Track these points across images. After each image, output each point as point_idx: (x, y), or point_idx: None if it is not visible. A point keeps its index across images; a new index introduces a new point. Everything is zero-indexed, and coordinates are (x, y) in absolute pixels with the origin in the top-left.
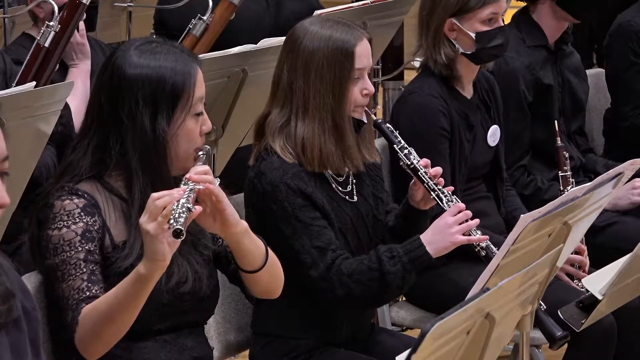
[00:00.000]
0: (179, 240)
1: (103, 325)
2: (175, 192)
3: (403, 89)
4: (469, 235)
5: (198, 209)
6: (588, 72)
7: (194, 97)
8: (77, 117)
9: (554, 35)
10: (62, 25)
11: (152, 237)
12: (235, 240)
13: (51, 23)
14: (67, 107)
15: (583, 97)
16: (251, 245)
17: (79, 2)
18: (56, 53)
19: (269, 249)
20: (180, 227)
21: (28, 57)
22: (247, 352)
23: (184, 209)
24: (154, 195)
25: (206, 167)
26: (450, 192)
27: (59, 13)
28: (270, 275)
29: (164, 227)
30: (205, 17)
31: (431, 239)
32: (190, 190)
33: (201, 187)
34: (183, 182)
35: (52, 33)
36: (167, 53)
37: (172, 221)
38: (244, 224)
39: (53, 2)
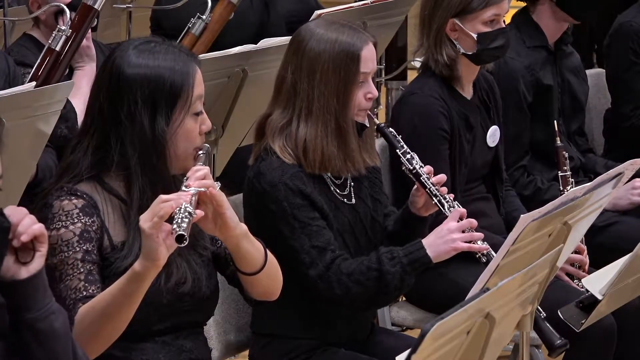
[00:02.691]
0: (181, 244)
1: (100, 324)
2: (182, 196)
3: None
4: (471, 243)
5: (199, 213)
6: (588, 72)
7: (192, 96)
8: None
9: (553, 35)
10: (73, 30)
11: (146, 235)
12: (235, 243)
13: (63, 27)
14: (73, 110)
15: (583, 98)
16: (250, 248)
17: (90, 7)
18: (67, 57)
19: (268, 251)
20: (182, 232)
21: (38, 61)
22: (247, 352)
23: (186, 214)
24: (162, 197)
25: (205, 171)
26: (452, 198)
27: (62, 14)
28: (269, 278)
29: (159, 227)
30: (204, 16)
31: (432, 243)
32: (194, 194)
33: (203, 189)
34: (184, 185)
35: (64, 37)
36: (166, 52)
37: (174, 226)
38: (243, 226)
39: (65, 7)
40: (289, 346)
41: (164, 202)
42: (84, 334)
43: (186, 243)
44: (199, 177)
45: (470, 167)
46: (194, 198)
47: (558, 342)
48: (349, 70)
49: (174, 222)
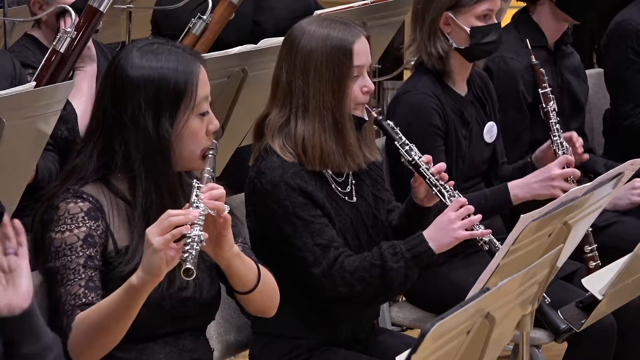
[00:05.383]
0: (187, 278)
1: (95, 334)
2: (191, 213)
3: None
4: (472, 230)
5: (205, 235)
6: (588, 72)
7: (197, 96)
8: (83, 121)
9: (553, 35)
10: (78, 32)
11: (154, 250)
12: (226, 263)
13: (68, 29)
14: (73, 111)
15: (582, 98)
16: (242, 267)
17: (95, 10)
18: (71, 59)
19: (261, 270)
20: (190, 267)
21: (43, 62)
22: (247, 352)
23: (199, 246)
24: (171, 211)
25: (221, 192)
26: (452, 187)
27: (63, 15)
28: (264, 296)
29: (169, 245)
30: (205, 17)
31: (434, 235)
32: (204, 215)
33: (213, 213)
34: (194, 194)
35: (69, 39)
36: (169, 53)
37: (186, 255)
38: (236, 248)
39: (70, 9)
40: (289, 346)
41: (173, 216)
42: (79, 342)
43: (193, 277)
44: (214, 197)
45: (468, 164)
46: (202, 218)
47: (563, 327)
48: (342, 65)
49: (185, 252)
